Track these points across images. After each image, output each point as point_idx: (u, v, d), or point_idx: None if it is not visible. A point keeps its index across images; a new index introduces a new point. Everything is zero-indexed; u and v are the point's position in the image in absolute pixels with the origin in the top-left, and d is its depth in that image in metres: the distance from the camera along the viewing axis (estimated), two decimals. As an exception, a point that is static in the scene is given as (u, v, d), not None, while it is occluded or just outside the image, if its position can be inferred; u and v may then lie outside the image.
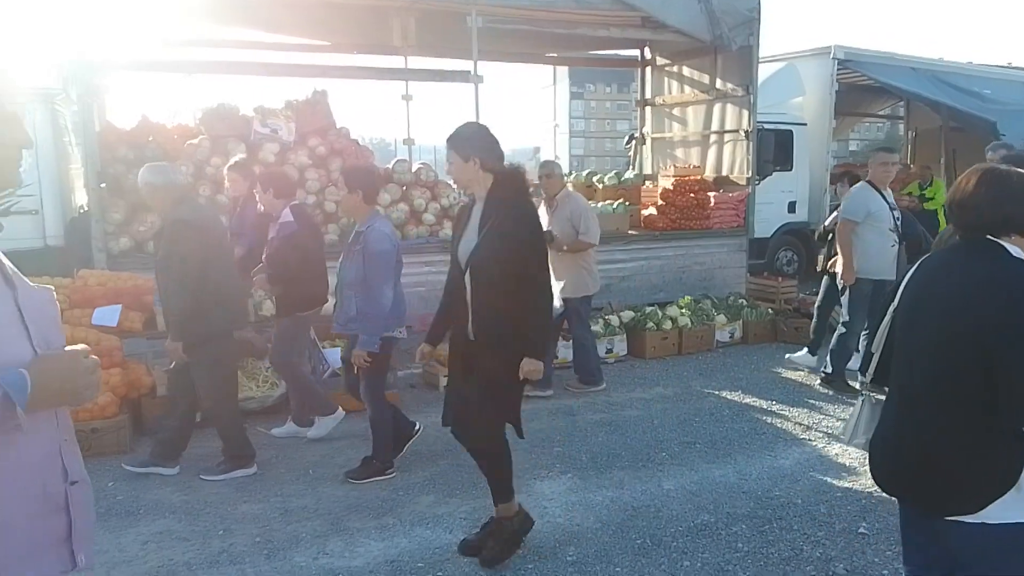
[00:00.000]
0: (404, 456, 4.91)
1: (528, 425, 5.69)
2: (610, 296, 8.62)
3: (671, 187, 9.60)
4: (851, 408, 6.14)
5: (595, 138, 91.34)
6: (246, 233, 5.78)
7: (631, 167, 12.05)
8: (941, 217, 10.77)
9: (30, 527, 1.67)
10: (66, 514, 1.73)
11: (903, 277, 2.45)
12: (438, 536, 4.02)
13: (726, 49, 9.19)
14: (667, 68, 11.06)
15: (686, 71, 10.69)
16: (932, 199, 11.20)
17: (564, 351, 6.99)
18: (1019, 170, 2.28)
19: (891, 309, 2.45)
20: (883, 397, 2.53)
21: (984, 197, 2.24)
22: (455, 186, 7.72)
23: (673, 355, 7.75)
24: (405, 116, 10.01)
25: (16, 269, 1.72)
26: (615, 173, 10.55)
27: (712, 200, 9.62)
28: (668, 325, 7.85)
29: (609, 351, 7.56)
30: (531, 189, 4.01)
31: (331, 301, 5.13)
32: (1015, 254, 2.18)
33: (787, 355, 7.35)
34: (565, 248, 6.21)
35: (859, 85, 12.96)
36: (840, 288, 6.50)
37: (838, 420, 5.82)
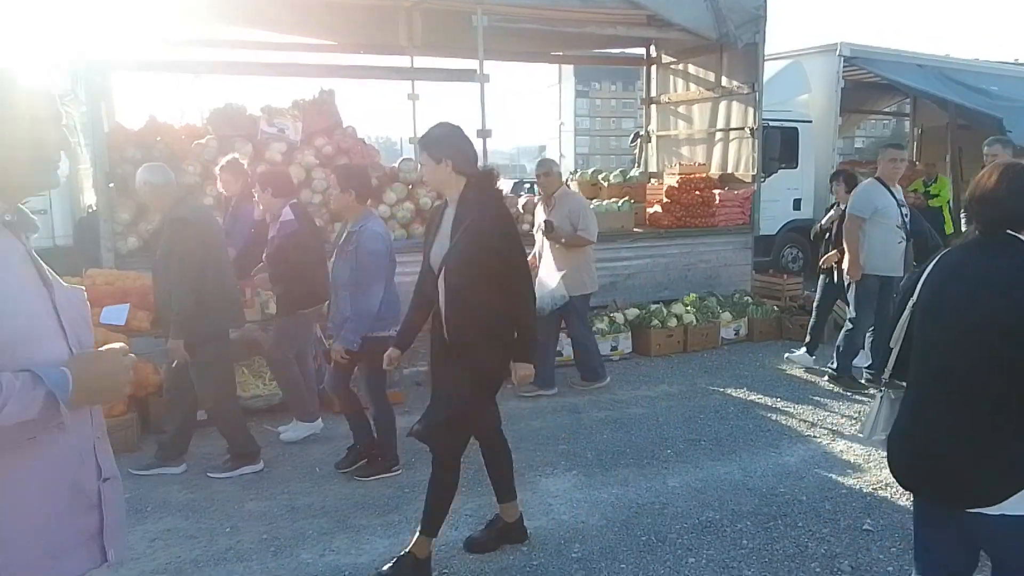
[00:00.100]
0: (409, 454, 4.93)
1: (533, 423, 5.78)
2: (615, 294, 8.63)
3: (676, 185, 9.59)
4: (856, 405, 6.19)
5: (600, 136, 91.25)
6: (239, 233, 5.80)
7: (636, 165, 12.05)
8: (946, 214, 10.73)
9: (65, 523, 1.71)
10: (98, 511, 1.76)
11: (921, 272, 2.45)
12: (444, 533, 4.01)
13: (732, 47, 9.17)
14: (673, 66, 11.04)
15: (692, 69, 10.67)
16: (937, 196, 11.16)
17: (568, 349, 7.00)
18: None
19: (910, 304, 2.45)
20: (902, 392, 2.53)
21: (1005, 192, 2.24)
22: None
23: (678, 353, 7.76)
24: (411, 115, 10.05)
25: (51, 270, 1.75)
26: (620, 171, 10.56)
27: (717, 198, 9.61)
28: (673, 323, 7.85)
29: (614, 349, 7.57)
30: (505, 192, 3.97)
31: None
32: None
33: (786, 354, 7.34)
34: (563, 241, 6.23)
35: (865, 82, 12.91)
36: (845, 284, 6.50)
37: (843, 417, 5.83)
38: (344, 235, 4.66)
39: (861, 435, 2.85)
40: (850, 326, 6.47)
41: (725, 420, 5.83)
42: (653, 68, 11.35)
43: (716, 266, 9.55)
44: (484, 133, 7.98)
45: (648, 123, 11.73)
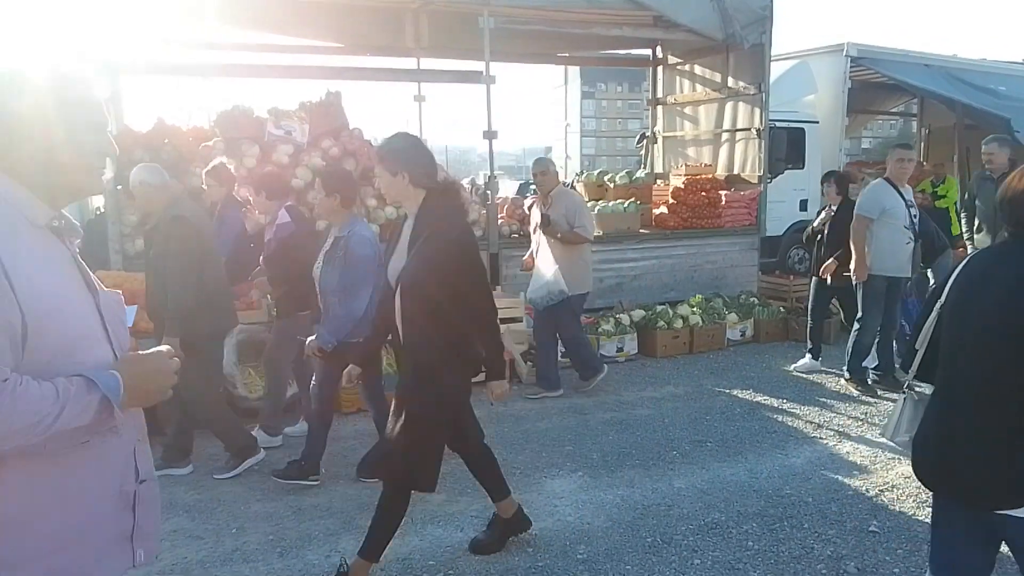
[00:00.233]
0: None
1: (539, 424, 5.79)
2: (621, 295, 8.64)
3: (683, 186, 9.60)
4: (863, 407, 6.18)
5: (606, 137, 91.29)
6: (224, 237, 5.79)
7: (643, 166, 12.06)
8: (953, 215, 10.69)
9: (110, 526, 1.73)
10: (132, 512, 1.78)
11: (950, 274, 2.43)
12: (449, 535, 4.04)
13: (738, 47, 9.18)
14: (679, 67, 11.05)
15: (698, 70, 10.68)
16: (944, 197, 11.12)
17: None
18: None
19: (937, 306, 2.44)
20: (926, 394, 2.52)
21: None
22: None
23: (684, 354, 7.75)
24: (418, 117, 10.08)
25: (93, 275, 1.77)
26: (627, 172, 10.55)
27: (724, 198, 9.61)
28: (679, 324, 7.85)
29: (620, 350, 7.57)
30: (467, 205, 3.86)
31: None
32: None
33: (792, 367, 7.26)
34: (559, 236, 6.23)
35: (872, 82, 12.88)
36: (852, 285, 6.49)
37: (849, 418, 5.82)
38: (331, 241, 4.49)
39: (883, 436, 2.83)
40: (858, 326, 6.46)
41: (731, 421, 5.83)
42: (659, 69, 11.36)
43: (722, 267, 9.55)
44: (490, 134, 8.00)
45: (654, 124, 11.75)
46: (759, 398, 6.39)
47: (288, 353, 5.36)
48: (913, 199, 6.39)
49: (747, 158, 10.10)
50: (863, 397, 6.33)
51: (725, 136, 10.41)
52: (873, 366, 6.53)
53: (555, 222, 6.24)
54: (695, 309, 8.17)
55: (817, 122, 11.82)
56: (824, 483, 4.67)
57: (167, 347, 1.81)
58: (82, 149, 1.67)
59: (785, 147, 11.24)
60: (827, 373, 6.98)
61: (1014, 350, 2.13)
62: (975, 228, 7.40)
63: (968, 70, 12.54)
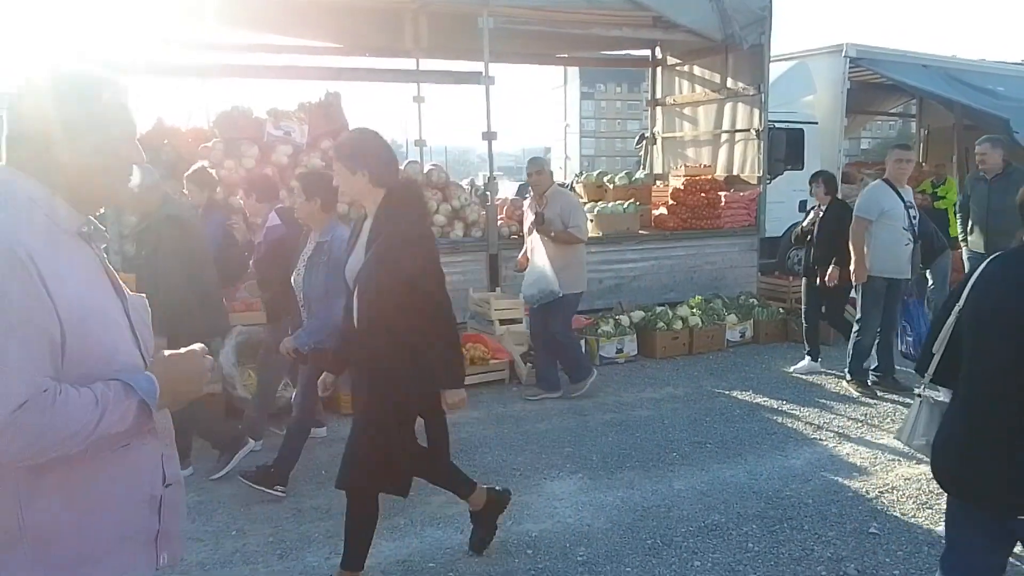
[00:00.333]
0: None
1: (538, 425, 5.79)
2: (621, 296, 8.64)
3: (682, 187, 9.59)
4: (863, 408, 6.18)
5: (606, 138, 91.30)
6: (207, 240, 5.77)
7: (642, 167, 12.05)
8: (952, 216, 10.70)
9: (140, 529, 1.74)
10: (158, 516, 1.78)
11: (969, 277, 2.42)
12: (449, 536, 4.04)
13: (737, 48, 9.18)
14: (678, 67, 11.05)
15: (697, 70, 10.68)
16: (944, 198, 11.12)
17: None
18: None
19: (955, 309, 2.43)
20: (941, 398, 2.51)
21: None
22: (462, 187, 7.72)
23: (684, 355, 7.75)
24: (417, 118, 10.08)
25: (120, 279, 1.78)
26: (626, 173, 10.56)
27: (723, 199, 9.61)
28: (679, 325, 7.84)
29: (619, 351, 7.56)
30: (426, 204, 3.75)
31: None
32: None
33: (791, 368, 7.24)
34: (553, 234, 6.22)
35: (871, 83, 12.89)
36: (852, 287, 6.49)
37: (849, 420, 5.82)
38: (313, 247, 4.33)
39: (898, 440, 2.82)
40: (857, 327, 6.45)
41: (731, 423, 5.83)
42: (658, 70, 11.36)
43: (722, 268, 9.54)
44: (490, 135, 8.00)
45: (653, 125, 11.75)
46: (759, 399, 6.39)
47: (280, 357, 5.32)
48: (912, 200, 6.38)
49: (746, 159, 10.09)
50: (863, 398, 6.33)
51: (724, 137, 10.41)
52: (873, 367, 6.53)
53: (550, 221, 6.24)
54: (694, 310, 8.16)
55: (816, 123, 11.81)
56: (824, 485, 4.67)
57: (200, 346, 1.79)
58: (115, 157, 1.67)
59: (784, 148, 11.24)
60: (827, 374, 6.98)
61: (1022, 355, 2.13)
62: (968, 230, 7.41)
63: (967, 70, 12.54)
